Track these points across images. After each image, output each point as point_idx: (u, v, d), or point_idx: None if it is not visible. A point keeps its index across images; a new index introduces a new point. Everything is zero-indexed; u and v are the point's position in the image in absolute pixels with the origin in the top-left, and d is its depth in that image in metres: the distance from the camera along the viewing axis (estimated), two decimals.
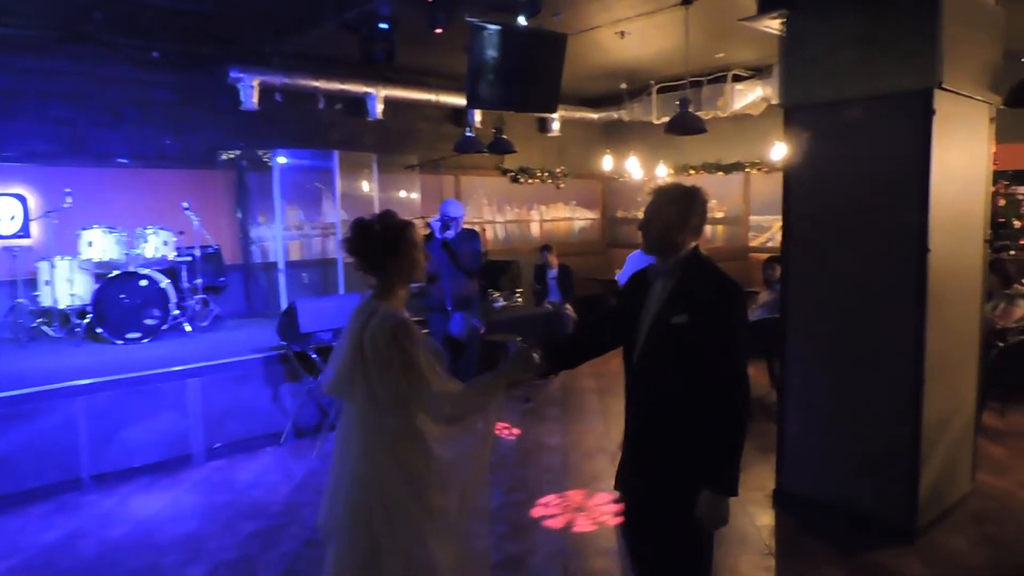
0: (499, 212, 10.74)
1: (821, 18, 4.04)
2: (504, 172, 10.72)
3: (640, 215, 2.52)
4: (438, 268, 5.70)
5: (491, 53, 6.40)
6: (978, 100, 4.08)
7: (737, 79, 9.16)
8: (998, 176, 5.89)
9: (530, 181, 11.01)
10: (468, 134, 8.48)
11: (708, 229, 10.58)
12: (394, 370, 2.27)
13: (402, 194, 9.28)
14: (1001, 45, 4.23)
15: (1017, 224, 6.39)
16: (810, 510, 4.24)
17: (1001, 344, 5.63)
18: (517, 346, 6.69)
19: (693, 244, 2.43)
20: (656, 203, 2.46)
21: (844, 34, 3.95)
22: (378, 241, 2.38)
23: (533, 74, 6.63)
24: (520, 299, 8.74)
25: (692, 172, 10.48)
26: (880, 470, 3.96)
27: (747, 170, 10.05)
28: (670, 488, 2.40)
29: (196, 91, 7.76)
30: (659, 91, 9.90)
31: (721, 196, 10.35)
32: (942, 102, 3.71)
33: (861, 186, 3.98)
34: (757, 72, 9.06)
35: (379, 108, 8.84)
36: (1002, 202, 6.84)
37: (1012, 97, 4.29)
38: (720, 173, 10.30)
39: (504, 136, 8.57)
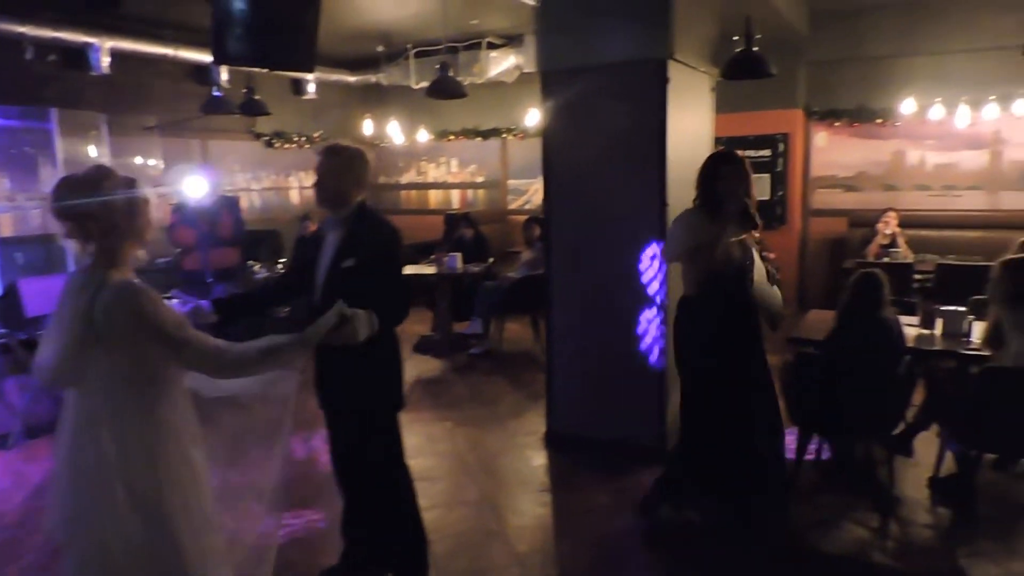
0: (255, 180, 10.12)
1: None
2: (257, 136, 10.08)
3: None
4: (195, 239, 5.27)
5: (238, 4, 5.94)
6: (702, 72, 4.62)
7: (492, 47, 9.43)
8: None
9: (286, 146, 10.48)
10: (216, 93, 7.82)
11: (470, 193, 10.91)
12: (142, 342, 2.04)
13: (142, 160, 8.36)
14: (719, 24, 4.81)
15: None
16: (579, 446, 4.62)
17: None
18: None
19: (360, 198, 2.85)
20: (328, 163, 2.81)
21: (592, 3, 4.25)
22: (108, 199, 2.05)
23: (286, 29, 6.26)
24: (282, 269, 8.34)
25: (452, 137, 10.63)
26: (634, 404, 4.43)
27: (504, 136, 10.44)
28: (352, 405, 2.86)
29: None
30: (416, 55, 9.89)
31: (480, 161, 10.67)
32: (675, 72, 4.16)
33: (609, 146, 4.35)
34: (510, 40, 9.40)
35: (104, 61, 7.78)
36: None
37: (728, 70, 4.93)
38: (479, 139, 10.59)
39: (257, 97, 8.05)
